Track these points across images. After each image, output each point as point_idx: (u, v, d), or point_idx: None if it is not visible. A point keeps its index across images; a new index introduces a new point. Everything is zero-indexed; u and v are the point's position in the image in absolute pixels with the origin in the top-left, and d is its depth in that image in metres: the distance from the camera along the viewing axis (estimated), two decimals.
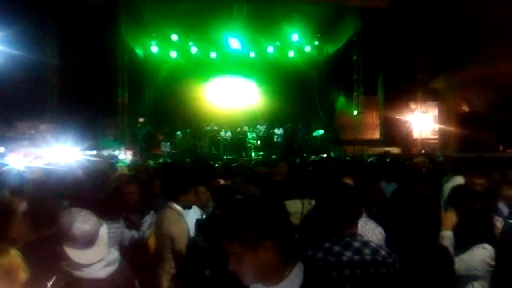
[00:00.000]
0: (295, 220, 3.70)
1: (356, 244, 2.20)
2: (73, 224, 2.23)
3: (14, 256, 1.88)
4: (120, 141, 14.49)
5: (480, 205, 2.96)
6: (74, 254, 2.21)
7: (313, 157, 11.72)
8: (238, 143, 16.08)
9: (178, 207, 3.70)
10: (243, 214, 1.48)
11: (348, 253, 2.16)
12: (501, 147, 11.78)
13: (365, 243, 2.22)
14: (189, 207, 3.88)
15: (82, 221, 2.26)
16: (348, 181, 3.65)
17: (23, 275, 1.84)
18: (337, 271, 2.11)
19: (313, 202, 3.98)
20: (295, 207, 3.92)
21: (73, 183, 4.58)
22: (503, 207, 3.91)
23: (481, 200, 3.11)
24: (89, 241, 2.24)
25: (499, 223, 3.45)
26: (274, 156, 12.85)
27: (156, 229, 3.77)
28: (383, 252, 2.18)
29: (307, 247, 2.27)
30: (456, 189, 3.51)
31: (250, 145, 16.21)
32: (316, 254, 2.19)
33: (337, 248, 2.18)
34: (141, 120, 16.30)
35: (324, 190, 2.48)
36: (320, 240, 2.26)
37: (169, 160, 11.28)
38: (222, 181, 4.93)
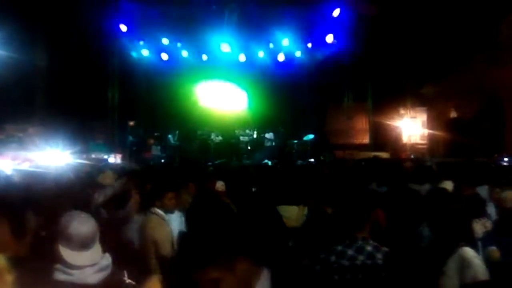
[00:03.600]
0: (291, 223, 3.71)
1: (369, 248, 2.23)
2: (71, 224, 2.24)
3: None
4: (110, 145, 14.38)
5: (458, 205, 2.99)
6: (68, 254, 2.21)
7: (299, 161, 11.72)
8: (229, 147, 16.06)
9: (160, 212, 3.73)
10: (214, 238, 1.44)
11: (361, 257, 2.20)
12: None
13: (377, 248, 2.26)
14: (171, 212, 3.87)
15: (80, 223, 2.27)
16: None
17: (9, 277, 1.82)
18: (351, 275, 2.16)
19: (306, 208, 3.99)
20: (291, 212, 3.92)
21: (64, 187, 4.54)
22: (492, 210, 4.00)
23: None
24: (84, 244, 2.24)
25: (488, 224, 3.56)
26: (265, 160, 12.86)
27: (140, 235, 3.75)
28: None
29: (310, 251, 2.30)
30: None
31: (241, 149, 16.19)
32: (329, 257, 2.23)
33: (350, 252, 2.21)
34: (131, 123, 16.20)
35: (339, 192, 2.51)
36: (328, 243, 2.29)
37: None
38: (219, 183, 4.87)
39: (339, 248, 2.23)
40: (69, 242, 2.21)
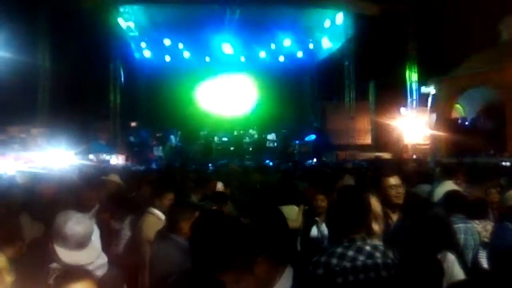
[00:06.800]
0: (291, 224, 3.71)
1: (368, 248, 2.26)
2: (66, 224, 2.26)
3: None
4: (112, 146, 14.41)
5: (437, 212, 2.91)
6: (64, 253, 2.23)
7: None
8: (231, 148, 16.07)
9: (158, 212, 3.70)
10: (230, 242, 1.44)
11: (362, 258, 2.22)
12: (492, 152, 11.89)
13: (375, 247, 2.29)
14: None
15: (76, 222, 2.28)
16: (348, 181, 3.67)
17: (8, 278, 1.83)
18: (354, 276, 2.18)
19: (307, 207, 4.00)
20: (290, 212, 3.91)
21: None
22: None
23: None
24: (80, 243, 2.26)
25: (489, 226, 3.54)
26: (267, 161, 12.87)
27: (137, 235, 3.74)
28: (390, 254, 2.26)
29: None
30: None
31: (243, 150, 16.19)
32: (330, 261, 2.23)
33: (351, 253, 2.24)
34: (133, 124, 16.22)
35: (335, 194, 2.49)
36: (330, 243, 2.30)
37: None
38: (220, 184, 4.88)
39: (339, 250, 2.24)
40: (65, 241, 2.23)
